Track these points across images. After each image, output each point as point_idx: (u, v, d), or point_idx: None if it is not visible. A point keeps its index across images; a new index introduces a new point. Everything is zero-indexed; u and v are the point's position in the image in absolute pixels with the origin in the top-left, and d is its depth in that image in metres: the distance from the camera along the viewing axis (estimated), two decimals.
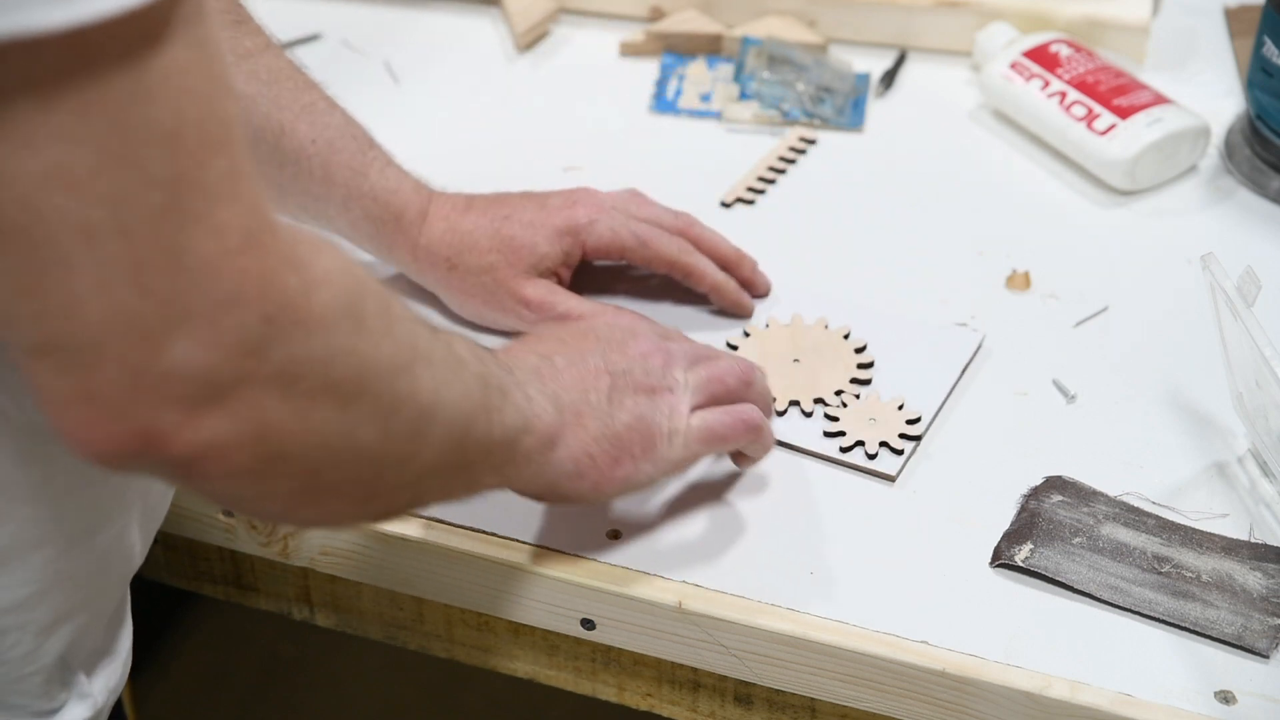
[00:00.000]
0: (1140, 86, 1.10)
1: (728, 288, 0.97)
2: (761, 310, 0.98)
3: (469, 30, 1.25)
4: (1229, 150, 1.10)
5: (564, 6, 1.25)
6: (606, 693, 0.88)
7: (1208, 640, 0.78)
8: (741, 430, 0.81)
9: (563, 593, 0.82)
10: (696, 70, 1.19)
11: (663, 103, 1.17)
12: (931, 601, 0.80)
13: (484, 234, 0.93)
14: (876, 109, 1.16)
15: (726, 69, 1.19)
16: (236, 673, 1.76)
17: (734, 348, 0.94)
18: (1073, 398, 0.92)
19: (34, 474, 0.66)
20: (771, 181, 1.09)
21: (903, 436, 0.88)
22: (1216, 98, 1.15)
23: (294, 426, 0.56)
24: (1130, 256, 1.03)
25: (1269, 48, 1.06)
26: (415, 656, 0.97)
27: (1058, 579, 0.80)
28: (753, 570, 0.81)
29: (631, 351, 0.80)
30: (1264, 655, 0.77)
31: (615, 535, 0.83)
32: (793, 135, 1.13)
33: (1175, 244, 1.03)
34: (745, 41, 1.19)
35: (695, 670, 0.84)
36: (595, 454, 0.76)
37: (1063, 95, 1.09)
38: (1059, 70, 1.11)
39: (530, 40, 1.22)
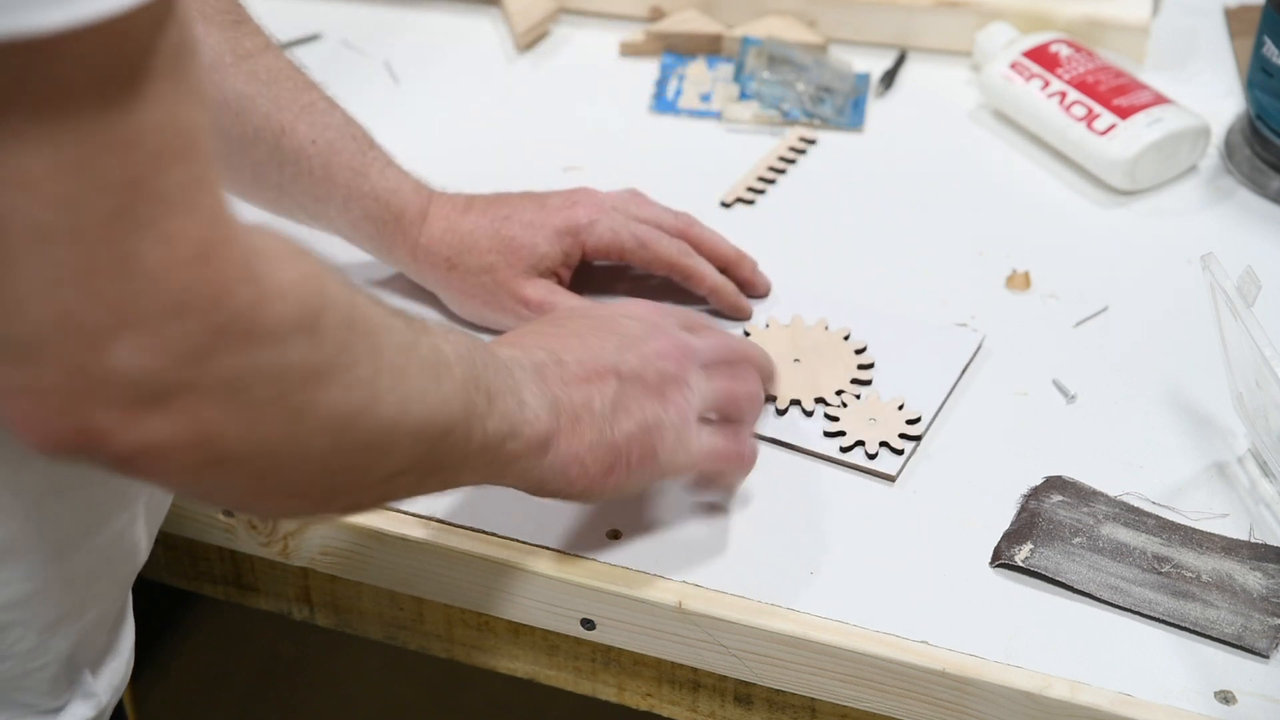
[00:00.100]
0: (1140, 86, 1.10)
1: (726, 290, 0.97)
2: (761, 310, 0.98)
3: (469, 30, 1.25)
4: (1229, 150, 1.10)
5: (564, 6, 1.25)
6: (606, 693, 0.88)
7: (1208, 640, 0.78)
8: (739, 467, 0.82)
9: (563, 593, 0.82)
10: (696, 70, 1.19)
11: (663, 103, 1.17)
12: (931, 601, 0.80)
13: (484, 234, 0.93)
14: (876, 109, 1.16)
15: (726, 69, 1.19)
16: (236, 673, 1.76)
17: None
18: (1073, 398, 0.92)
19: (34, 472, 0.66)
20: (771, 181, 1.09)
21: (903, 436, 0.88)
22: (1216, 98, 1.15)
23: (238, 434, 0.56)
24: (1130, 256, 1.03)
25: (1269, 48, 1.06)
26: (415, 656, 0.97)
27: (1058, 579, 0.80)
28: (753, 570, 0.82)
29: (647, 350, 0.79)
30: (1264, 655, 0.77)
31: (615, 535, 0.83)
32: (793, 135, 1.13)
33: (1175, 244, 1.03)
34: (745, 41, 1.19)
35: (695, 670, 0.84)
36: (587, 461, 0.76)
37: (1063, 95, 1.09)
38: (1059, 70, 1.11)
39: (530, 40, 1.22)
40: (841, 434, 0.89)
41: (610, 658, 0.86)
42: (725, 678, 0.83)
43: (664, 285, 0.98)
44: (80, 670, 0.72)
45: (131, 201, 0.51)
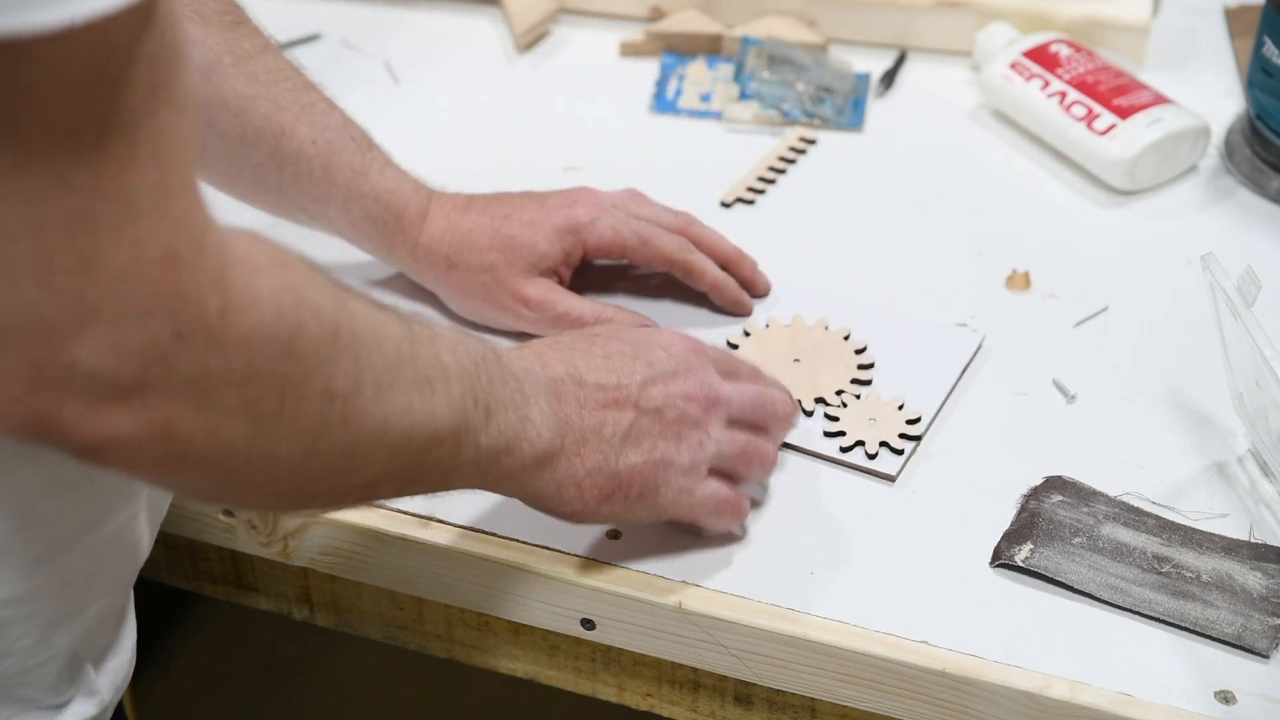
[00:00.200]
0: (1140, 86, 1.10)
1: (728, 286, 0.97)
2: (762, 310, 0.98)
3: (469, 30, 1.25)
4: (1229, 150, 1.10)
5: (564, 6, 1.25)
6: (606, 693, 0.88)
7: (1208, 640, 0.78)
8: (735, 519, 0.82)
9: (563, 593, 0.82)
10: (696, 70, 1.19)
11: (663, 103, 1.17)
12: (931, 601, 0.80)
13: (484, 233, 0.93)
14: (876, 109, 1.16)
15: (726, 69, 1.19)
16: (236, 673, 1.76)
17: (734, 347, 0.94)
18: (1073, 398, 0.92)
19: (31, 470, 0.66)
20: (771, 181, 1.09)
21: (903, 436, 0.88)
22: (1216, 98, 1.15)
23: (202, 435, 0.56)
24: (1130, 256, 1.03)
25: (1269, 48, 1.06)
26: (415, 656, 0.97)
27: (1058, 579, 0.80)
28: (753, 570, 0.81)
29: (674, 388, 0.78)
30: (1264, 655, 0.77)
31: (615, 535, 0.83)
32: (793, 135, 1.13)
33: (1175, 244, 1.03)
34: (745, 41, 1.19)
35: (695, 670, 0.84)
36: (585, 485, 0.76)
37: (1063, 95, 1.09)
38: (1059, 70, 1.11)
39: (530, 40, 1.22)
40: (841, 434, 0.89)
41: (610, 658, 0.86)
42: (725, 678, 0.83)
43: (665, 283, 0.98)
44: (83, 667, 0.72)
45: (96, 203, 0.51)
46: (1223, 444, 0.89)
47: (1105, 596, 0.79)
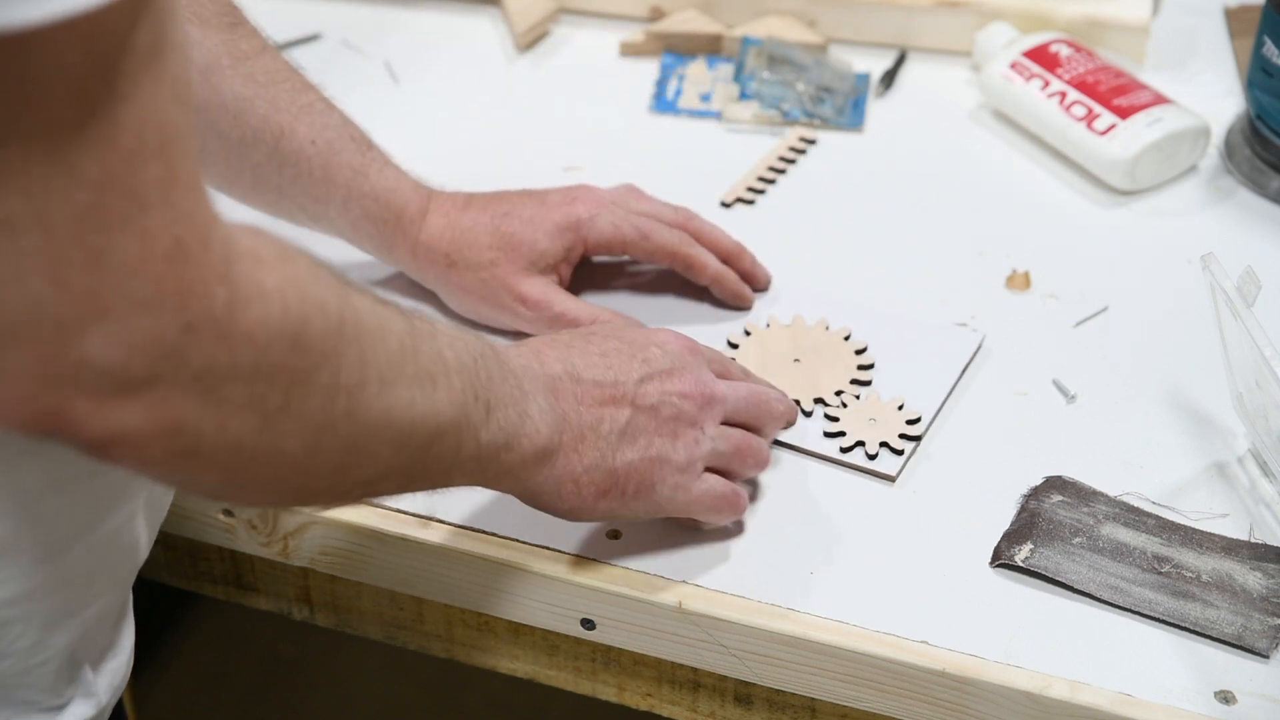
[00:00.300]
0: (1140, 86, 1.10)
1: (728, 279, 0.97)
2: (762, 309, 0.98)
3: (469, 30, 1.25)
4: (1229, 150, 1.10)
5: (564, 6, 1.25)
6: (606, 693, 0.88)
7: (1208, 640, 0.78)
8: (733, 513, 0.82)
9: (563, 593, 0.82)
10: (696, 70, 1.19)
11: (663, 103, 1.17)
12: (931, 601, 0.80)
13: (484, 230, 0.93)
14: (876, 109, 1.16)
15: (726, 69, 1.19)
16: (236, 673, 1.76)
17: (735, 346, 0.94)
18: (1073, 398, 0.92)
19: (33, 468, 0.66)
20: (771, 181, 1.09)
21: (903, 436, 0.88)
22: (1216, 98, 1.15)
23: (211, 429, 0.56)
24: (1130, 256, 1.03)
25: (1269, 48, 1.06)
26: (415, 656, 0.97)
27: (1058, 579, 0.80)
28: (753, 570, 0.81)
29: (670, 386, 0.79)
30: (1264, 655, 0.77)
31: (615, 535, 0.83)
32: (793, 135, 1.13)
33: (1175, 244, 1.03)
34: (745, 41, 1.19)
35: (695, 670, 0.84)
36: (582, 482, 0.76)
37: (1063, 95, 1.09)
38: (1059, 70, 1.11)
39: (530, 40, 1.22)
40: (841, 434, 0.89)
41: (610, 658, 0.86)
42: (725, 678, 0.83)
43: (665, 279, 0.98)
44: (81, 668, 0.72)
45: (105, 197, 0.51)
46: (1223, 444, 0.89)
47: (1105, 596, 0.79)
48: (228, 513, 0.88)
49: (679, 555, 0.82)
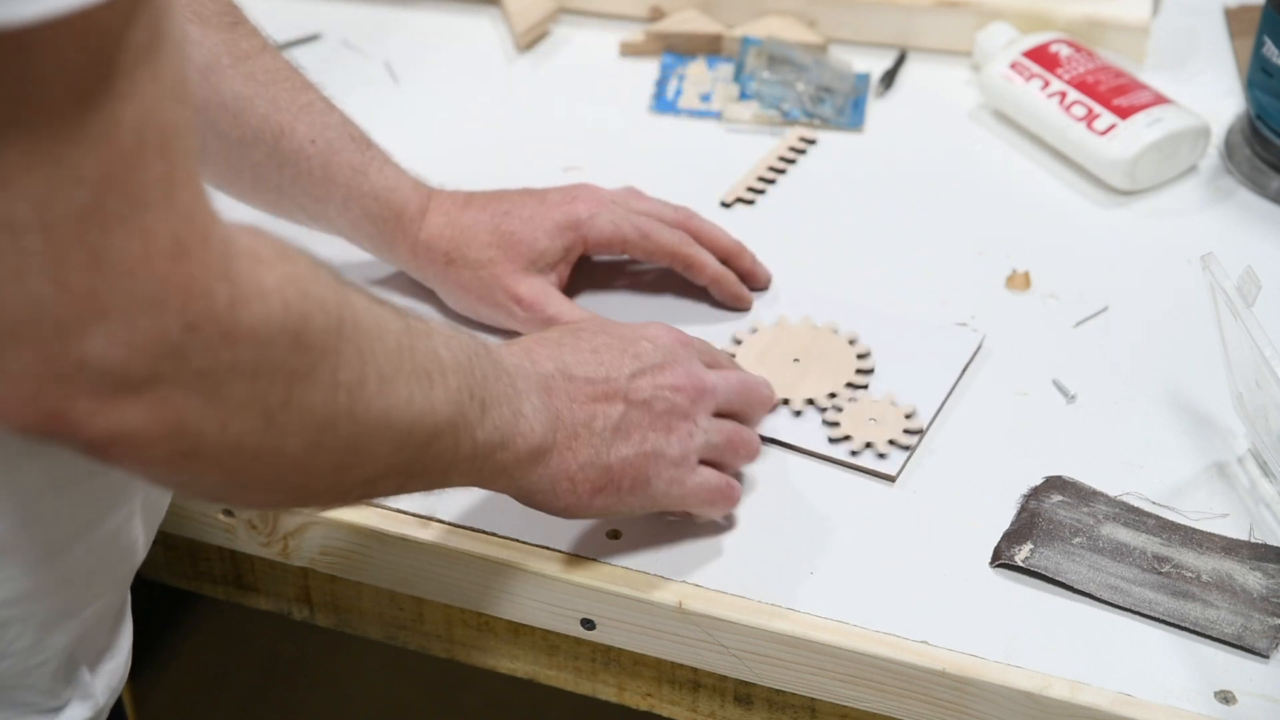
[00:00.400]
0: (1140, 86, 1.10)
1: (728, 280, 0.97)
2: (762, 309, 0.98)
3: (469, 30, 1.25)
4: (1229, 150, 1.10)
5: (564, 6, 1.25)
6: (606, 693, 0.88)
7: (1208, 640, 0.78)
8: (727, 505, 0.82)
9: (563, 593, 0.82)
10: (696, 70, 1.19)
11: (663, 103, 1.17)
12: (931, 601, 0.80)
13: (484, 229, 0.93)
14: (876, 109, 1.16)
15: (726, 69, 1.19)
16: (236, 673, 1.76)
17: (739, 343, 0.94)
18: (1073, 398, 0.92)
19: (33, 468, 0.66)
20: (771, 181, 1.09)
21: (903, 436, 0.88)
22: (1216, 98, 1.15)
23: (213, 429, 0.56)
24: (1130, 256, 1.03)
25: (1269, 48, 1.06)
26: (415, 656, 0.97)
27: (1058, 579, 0.80)
28: (753, 570, 0.81)
29: (662, 380, 0.79)
30: (1264, 655, 0.77)
31: (615, 535, 0.83)
32: (793, 135, 1.13)
33: (1175, 244, 1.03)
34: (745, 41, 1.19)
35: (695, 670, 0.84)
36: (577, 479, 0.76)
37: (1063, 95, 1.09)
38: (1059, 70, 1.11)
39: (530, 40, 1.22)
40: (842, 434, 0.89)
41: (610, 658, 0.86)
42: (725, 678, 0.83)
43: (664, 278, 0.98)
44: (79, 669, 0.72)
45: (105, 197, 0.51)
46: (1223, 444, 0.89)
47: (1105, 596, 0.79)
48: (228, 513, 0.88)
49: (679, 555, 0.82)
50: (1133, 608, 0.79)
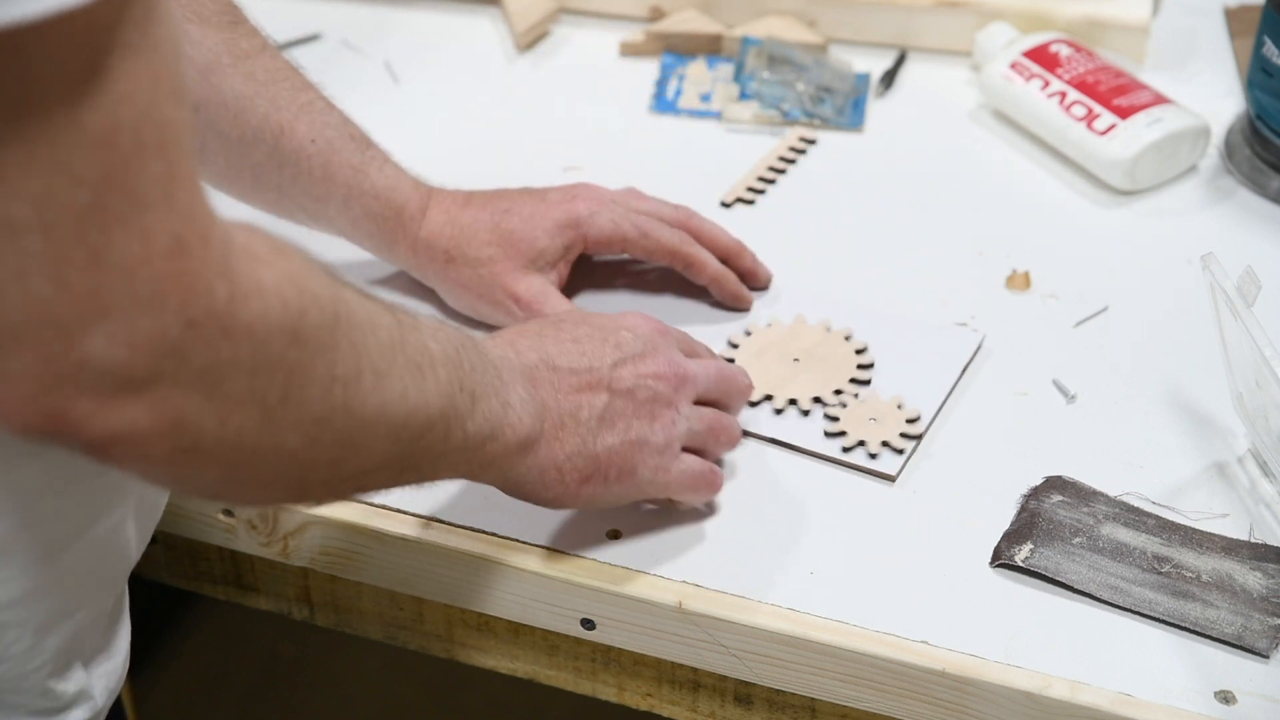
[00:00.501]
0: (1140, 86, 1.10)
1: (728, 279, 0.97)
2: (762, 309, 0.98)
3: (469, 30, 1.25)
4: (1229, 150, 1.10)
5: (564, 6, 1.25)
6: (606, 693, 0.88)
7: (1208, 640, 0.78)
8: (711, 492, 0.83)
9: (563, 593, 0.82)
10: (696, 70, 1.19)
11: (663, 103, 1.17)
12: (931, 601, 0.80)
13: (484, 227, 0.93)
14: (876, 109, 1.16)
15: (726, 69, 1.19)
16: (236, 673, 1.76)
17: (735, 346, 0.94)
18: (1073, 398, 0.92)
19: (31, 469, 0.66)
20: (771, 181, 1.09)
21: (903, 436, 0.88)
22: (1216, 98, 1.15)
23: (213, 426, 0.56)
24: (1130, 256, 1.03)
25: (1269, 48, 1.06)
26: (415, 656, 0.97)
27: (1058, 579, 0.80)
28: (753, 570, 0.81)
29: (643, 368, 0.80)
30: (1264, 655, 0.77)
31: (615, 535, 0.83)
32: (793, 135, 1.13)
33: (1175, 244, 1.03)
34: (745, 41, 1.19)
35: (695, 670, 0.84)
36: (565, 469, 0.76)
37: (1063, 95, 1.09)
38: (1059, 70, 1.11)
39: (530, 40, 1.22)
40: (842, 434, 0.89)
41: (610, 658, 0.86)
42: (725, 678, 0.83)
43: (664, 278, 0.98)
44: (76, 670, 0.72)
45: (105, 196, 0.51)
46: (1223, 444, 0.89)
47: (1105, 596, 0.79)
48: (228, 513, 0.88)
49: (679, 555, 0.82)
50: (1133, 608, 0.79)
